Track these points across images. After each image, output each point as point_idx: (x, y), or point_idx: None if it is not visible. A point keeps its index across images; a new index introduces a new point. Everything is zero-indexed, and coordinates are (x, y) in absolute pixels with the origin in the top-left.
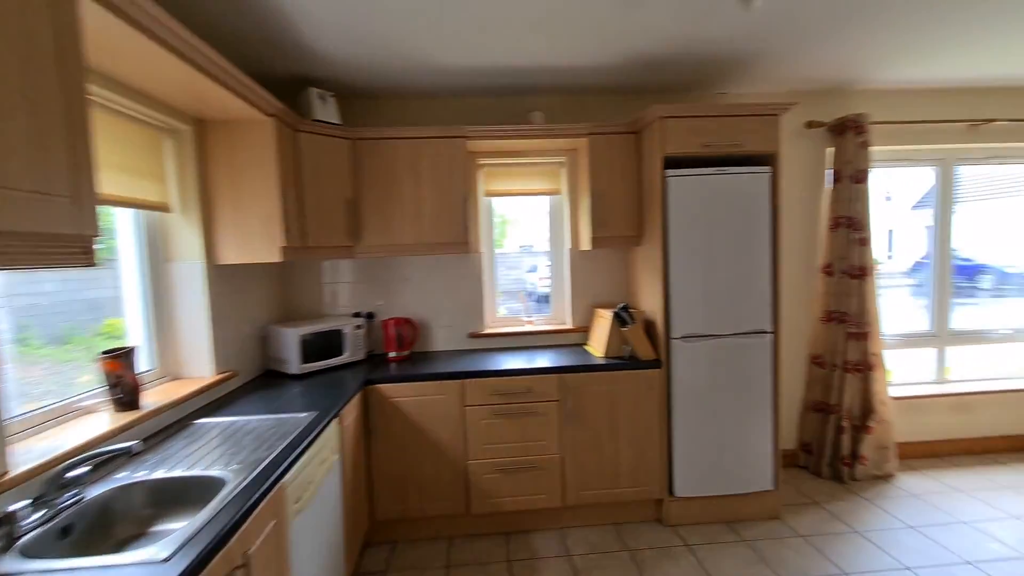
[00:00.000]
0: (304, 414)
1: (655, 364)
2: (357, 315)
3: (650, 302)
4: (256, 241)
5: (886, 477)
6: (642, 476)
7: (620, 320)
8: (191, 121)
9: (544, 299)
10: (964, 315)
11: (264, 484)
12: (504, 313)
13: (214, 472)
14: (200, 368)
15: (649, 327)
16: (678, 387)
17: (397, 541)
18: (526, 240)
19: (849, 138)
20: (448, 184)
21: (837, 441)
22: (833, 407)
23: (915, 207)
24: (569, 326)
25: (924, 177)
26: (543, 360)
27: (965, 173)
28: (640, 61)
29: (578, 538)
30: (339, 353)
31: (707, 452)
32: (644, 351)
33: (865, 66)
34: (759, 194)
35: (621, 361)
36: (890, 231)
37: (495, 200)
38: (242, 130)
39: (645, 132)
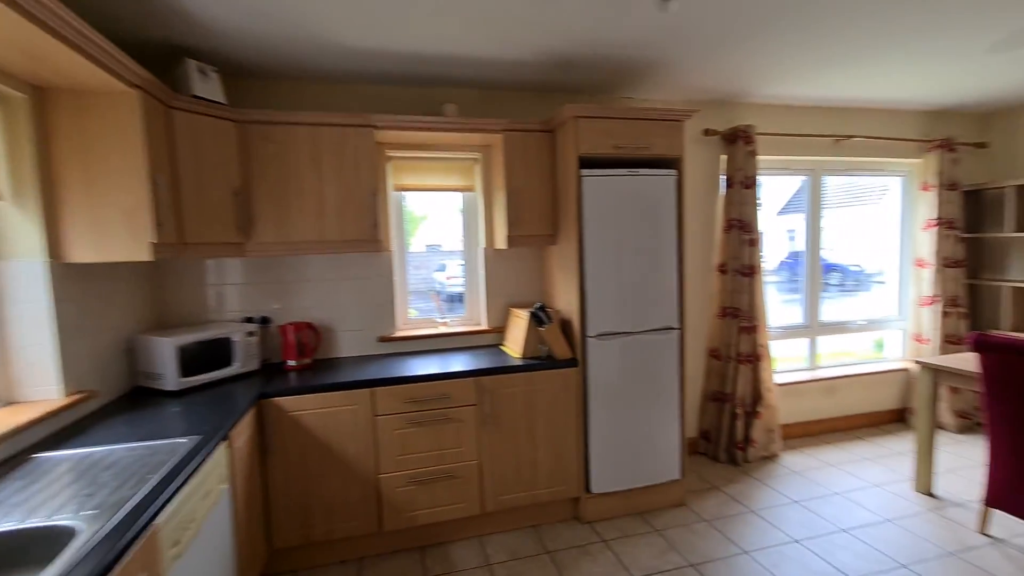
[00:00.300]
0: (183, 439)
1: (572, 363)
2: (249, 320)
3: (566, 301)
4: (118, 236)
5: (772, 457)
6: (560, 476)
7: (537, 320)
8: (27, 88)
9: (458, 299)
10: (823, 308)
11: (130, 531)
12: (416, 315)
13: (62, 520)
14: (43, 389)
15: (565, 326)
16: (594, 385)
17: (299, 569)
18: (435, 238)
19: (740, 147)
20: (354, 177)
21: (732, 427)
22: (728, 396)
23: (779, 213)
24: (485, 327)
25: (788, 186)
26: (459, 363)
27: (824, 182)
28: (553, 59)
29: (498, 545)
30: (227, 364)
31: (621, 447)
32: (561, 350)
33: (753, 81)
34: (666, 196)
35: (538, 361)
36: (761, 234)
37: (405, 196)
38: (98, 102)
39: (559, 131)
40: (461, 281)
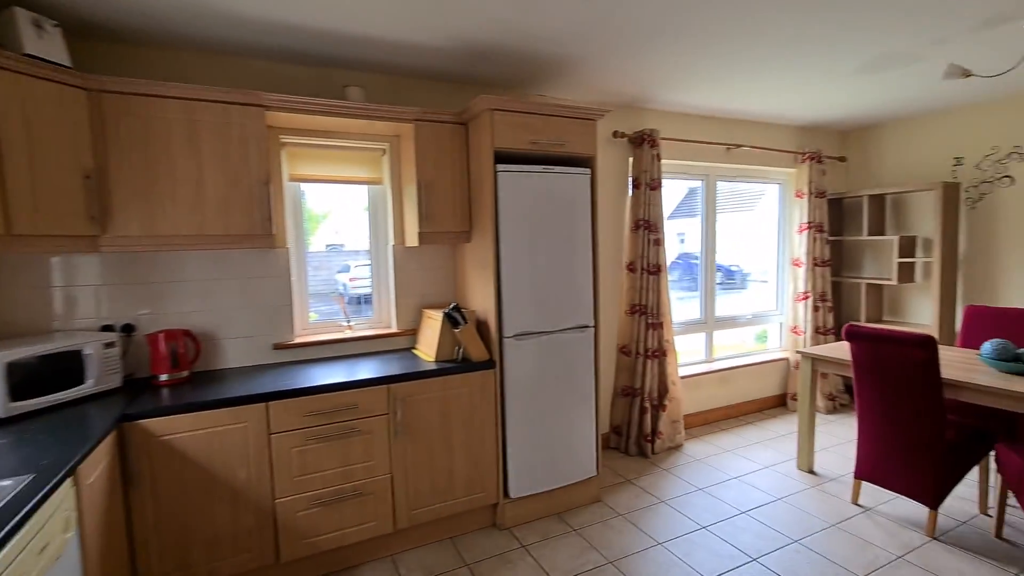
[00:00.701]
0: (6, 481)
1: (488, 365)
2: (108, 329)
3: (482, 301)
4: None
5: (678, 447)
6: (477, 482)
7: (451, 321)
8: None
9: (365, 301)
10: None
11: None
12: (317, 319)
13: None
14: None
15: (481, 327)
16: (511, 387)
17: None
18: (337, 238)
19: (645, 150)
20: (242, 163)
21: (641, 421)
22: (637, 391)
23: (669, 217)
24: (395, 330)
25: (677, 191)
26: (368, 369)
27: (708, 188)
28: (466, 46)
29: (413, 562)
30: (77, 382)
31: (539, 449)
32: (477, 352)
33: (657, 87)
34: (581, 195)
35: (454, 364)
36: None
37: (304, 189)
38: None
39: (474, 124)
40: (368, 282)
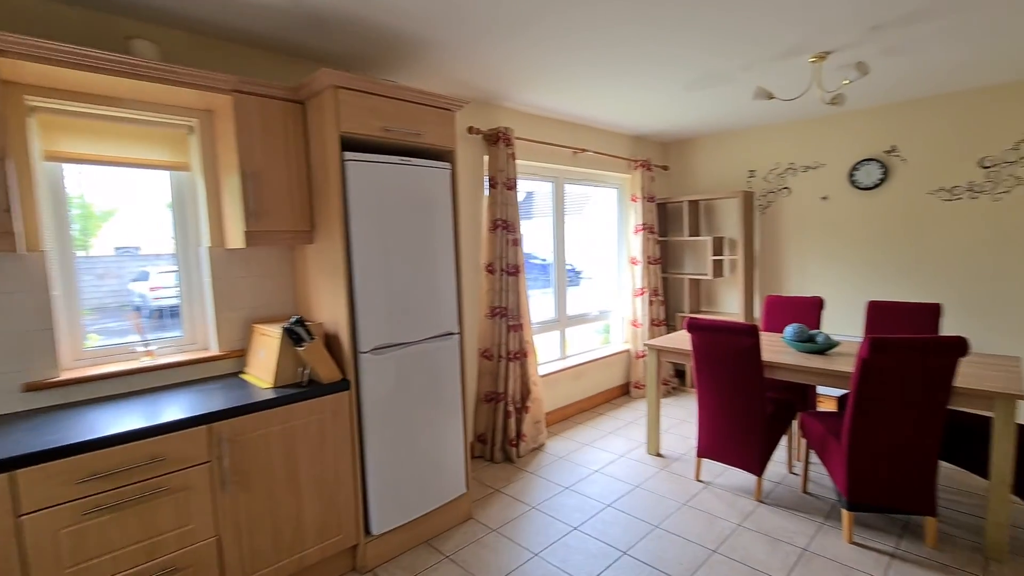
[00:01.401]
0: None
1: (342, 386)
2: None
3: (331, 312)
4: None
5: (540, 447)
6: (333, 525)
7: (293, 337)
8: None
9: (172, 315)
10: (545, 302)
11: None
12: (100, 344)
13: None
14: None
15: (331, 342)
16: (370, 408)
17: None
18: (130, 236)
19: (501, 148)
20: None
21: (506, 426)
22: (500, 395)
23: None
24: (215, 352)
25: (519, 194)
26: (178, 407)
27: (558, 189)
28: (302, 9)
29: None
30: None
31: (404, 474)
32: (327, 372)
33: (511, 84)
34: (441, 191)
35: (298, 389)
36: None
37: (82, 176)
38: None
39: (314, 103)
40: (175, 292)
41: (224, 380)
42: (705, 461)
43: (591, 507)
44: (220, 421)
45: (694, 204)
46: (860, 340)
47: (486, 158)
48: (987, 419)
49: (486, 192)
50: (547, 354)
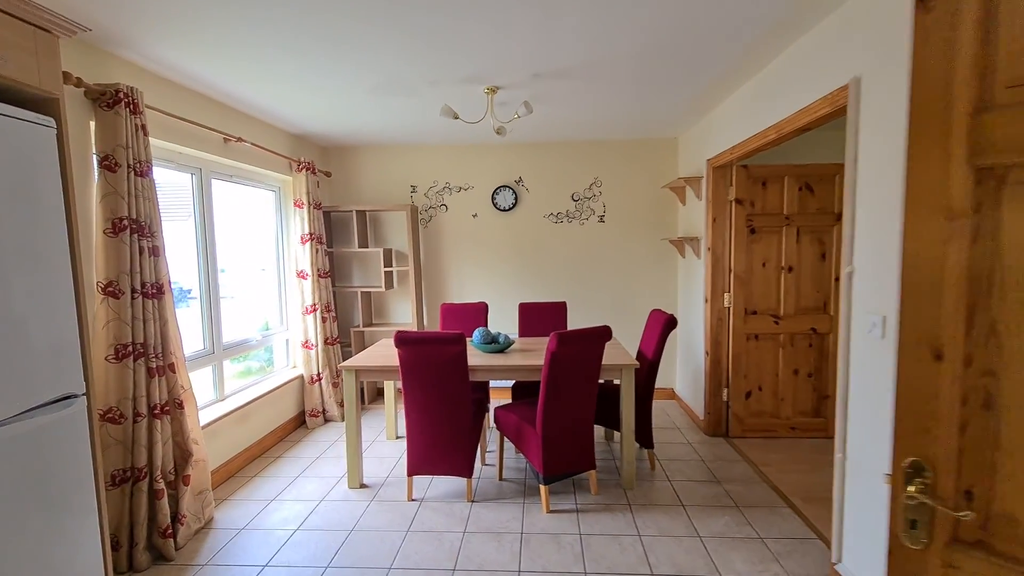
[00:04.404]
0: None
1: None
2: None
3: None
4: None
5: (209, 524)
6: None
7: None
8: None
9: None
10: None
11: None
12: None
13: None
14: None
15: None
16: None
17: None
18: None
19: (124, 115)
20: None
21: (153, 512)
22: (140, 471)
23: None
24: None
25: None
26: None
27: (203, 184)
28: None
29: None
30: None
31: None
32: None
33: (138, 18)
34: (41, 164)
35: None
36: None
37: None
38: None
39: None
40: None
41: None
42: (415, 477)
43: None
44: None
45: (362, 214)
46: (516, 336)
47: (93, 125)
48: (616, 387)
49: (96, 177)
50: (200, 397)
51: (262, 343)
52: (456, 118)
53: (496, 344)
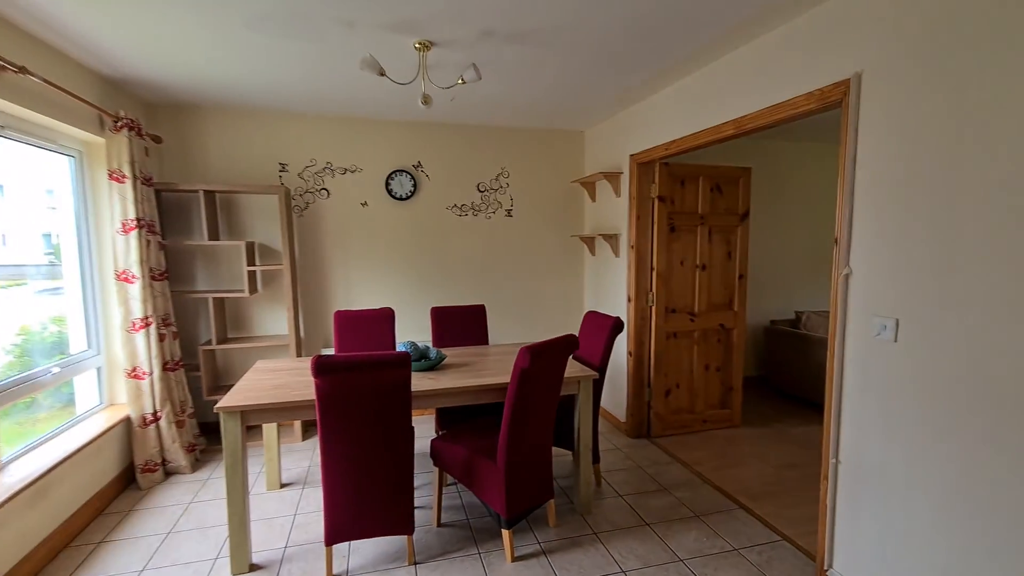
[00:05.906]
0: None
1: None
2: None
3: None
4: None
5: None
6: None
7: None
8: None
9: None
10: None
11: None
12: None
13: None
14: None
15: None
16: None
17: None
18: None
19: None
20: None
21: None
22: None
23: None
24: None
25: None
26: None
27: None
28: None
29: None
30: None
31: None
32: None
33: None
34: None
35: None
36: None
37: None
38: None
39: None
40: None
41: None
42: (336, 547)
43: None
44: None
45: (211, 196)
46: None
47: None
48: (563, 401)
49: None
50: None
51: (59, 378)
52: (382, 74)
53: (428, 360)
